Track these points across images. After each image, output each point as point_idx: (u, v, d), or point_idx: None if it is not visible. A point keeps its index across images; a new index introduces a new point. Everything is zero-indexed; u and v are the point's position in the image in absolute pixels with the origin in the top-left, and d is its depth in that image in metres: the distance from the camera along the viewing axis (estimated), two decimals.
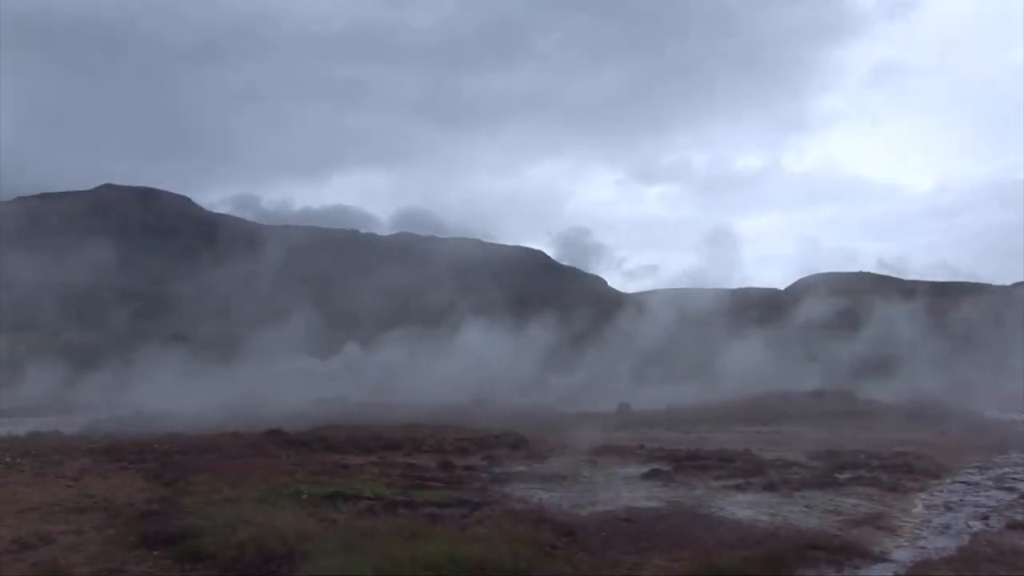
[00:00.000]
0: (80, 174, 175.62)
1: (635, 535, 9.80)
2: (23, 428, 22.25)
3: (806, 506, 12.05)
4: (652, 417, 28.67)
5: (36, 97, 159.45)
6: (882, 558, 9.40)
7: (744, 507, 11.79)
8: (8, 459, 14.50)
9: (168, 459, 14.96)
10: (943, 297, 61.25)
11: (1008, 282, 79.51)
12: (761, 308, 59.27)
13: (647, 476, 14.61)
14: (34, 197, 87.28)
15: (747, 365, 44.48)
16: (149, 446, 16.70)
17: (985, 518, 11.72)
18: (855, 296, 61.84)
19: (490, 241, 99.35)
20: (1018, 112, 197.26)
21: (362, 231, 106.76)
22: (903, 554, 9.63)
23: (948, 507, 12.68)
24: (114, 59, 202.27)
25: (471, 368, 44.92)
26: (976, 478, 15.66)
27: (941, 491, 14.18)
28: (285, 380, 42.68)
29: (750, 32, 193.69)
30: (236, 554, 8.30)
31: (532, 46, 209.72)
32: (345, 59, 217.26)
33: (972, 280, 76.93)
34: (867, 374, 44.90)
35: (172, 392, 36.23)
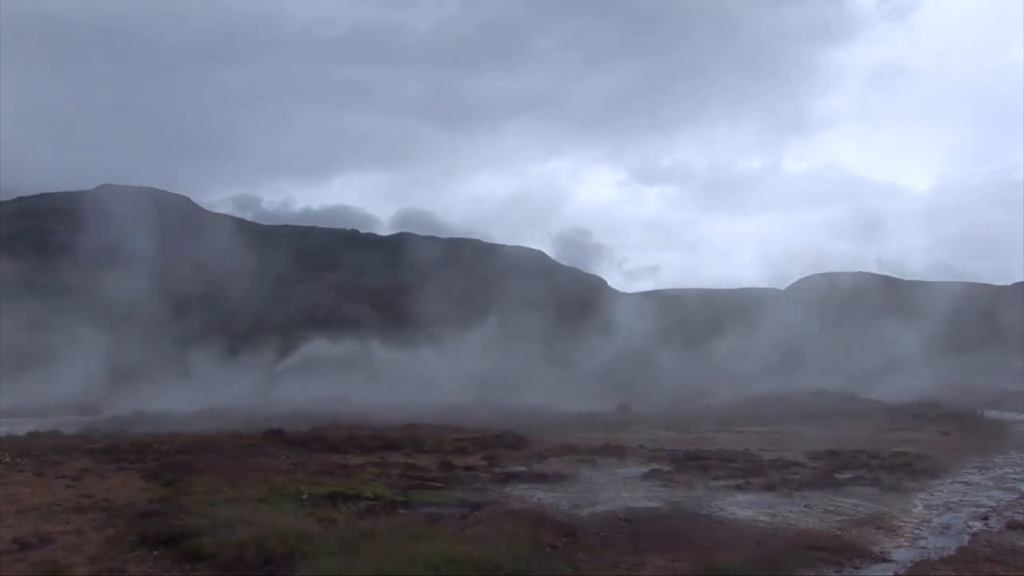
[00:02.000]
0: (80, 174, 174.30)
1: (635, 535, 9.80)
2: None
3: (806, 506, 12.06)
4: (652, 417, 28.66)
5: (36, 97, 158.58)
6: (882, 558, 9.42)
7: (744, 507, 11.79)
8: (8, 459, 14.47)
9: (168, 459, 14.94)
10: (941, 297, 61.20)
11: (1008, 282, 79.71)
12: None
13: (647, 476, 14.61)
14: (33, 197, 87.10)
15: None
16: (149, 446, 16.67)
17: (985, 518, 11.74)
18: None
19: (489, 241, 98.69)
20: (1018, 112, 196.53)
21: (362, 231, 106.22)
22: (903, 554, 9.64)
23: (948, 507, 12.70)
24: (115, 59, 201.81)
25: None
26: (976, 478, 15.68)
27: (941, 491, 14.19)
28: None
29: (750, 33, 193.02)
30: (236, 554, 8.30)
31: (533, 47, 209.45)
32: (347, 61, 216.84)
33: (972, 280, 76.95)
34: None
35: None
